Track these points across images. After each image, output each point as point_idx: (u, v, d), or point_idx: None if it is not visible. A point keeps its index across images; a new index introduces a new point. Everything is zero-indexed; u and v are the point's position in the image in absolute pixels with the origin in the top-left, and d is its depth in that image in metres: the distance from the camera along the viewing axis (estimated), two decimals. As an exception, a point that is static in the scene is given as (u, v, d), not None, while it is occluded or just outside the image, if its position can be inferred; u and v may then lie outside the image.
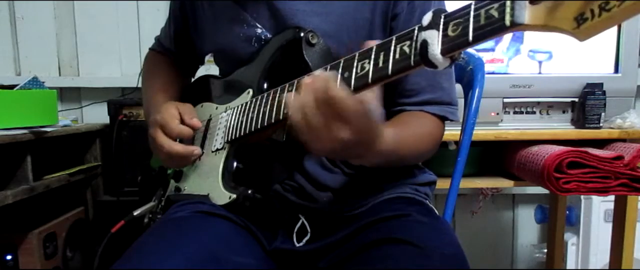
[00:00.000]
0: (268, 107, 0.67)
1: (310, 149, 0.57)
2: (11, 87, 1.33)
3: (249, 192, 0.69)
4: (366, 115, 0.53)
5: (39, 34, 1.83)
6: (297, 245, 0.74)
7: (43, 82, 1.47)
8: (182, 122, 0.79)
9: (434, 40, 0.46)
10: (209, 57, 0.96)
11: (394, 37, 0.52)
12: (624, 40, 1.37)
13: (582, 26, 0.37)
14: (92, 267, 1.59)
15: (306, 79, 0.57)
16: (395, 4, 0.75)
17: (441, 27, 0.46)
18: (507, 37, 1.41)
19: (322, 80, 0.52)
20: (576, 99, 1.38)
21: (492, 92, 1.34)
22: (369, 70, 0.53)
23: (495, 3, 0.42)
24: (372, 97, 0.53)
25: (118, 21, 1.84)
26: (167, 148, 0.77)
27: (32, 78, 1.43)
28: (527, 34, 1.41)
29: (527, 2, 0.40)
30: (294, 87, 0.63)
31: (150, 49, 1.05)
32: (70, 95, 1.87)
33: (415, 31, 0.49)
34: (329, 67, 0.60)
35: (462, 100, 0.94)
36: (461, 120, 0.93)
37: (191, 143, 0.82)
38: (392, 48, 0.51)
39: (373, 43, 0.55)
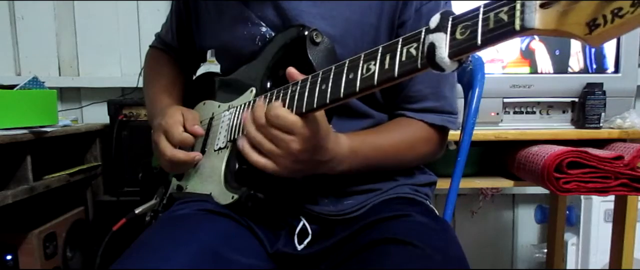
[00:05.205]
0: None
1: (275, 173, 0.64)
2: (11, 87, 1.33)
3: (251, 192, 0.69)
4: (308, 122, 0.59)
5: (39, 34, 1.82)
6: (299, 247, 0.74)
7: (43, 82, 1.47)
8: (185, 128, 0.79)
9: (442, 43, 0.45)
10: (210, 57, 0.95)
11: (400, 39, 0.51)
12: (624, 40, 1.37)
13: (594, 32, 0.35)
14: (92, 267, 1.59)
15: (245, 114, 0.65)
16: (403, 11, 0.75)
17: (449, 30, 0.45)
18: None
19: (258, 107, 0.62)
20: (576, 99, 1.38)
21: (492, 92, 1.34)
22: (374, 71, 0.52)
23: (505, 6, 0.41)
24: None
25: (118, 21, 1.84)
26: (170, 155, 0.78)
27: (32, 78, 1.43)
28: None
29: (537, 5, 0.39)
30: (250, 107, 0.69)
31: (150, 46, 1.04)
32: (70, 95, 1.87)
33: (423, 33, 0.48)
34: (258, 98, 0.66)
35: (462, 100, 0.94)
36: (461, 120, 0.93)
37: (193, 147, 0.81)
38: (399, 50, 0.50)
39: (299, 76, 0.62)
